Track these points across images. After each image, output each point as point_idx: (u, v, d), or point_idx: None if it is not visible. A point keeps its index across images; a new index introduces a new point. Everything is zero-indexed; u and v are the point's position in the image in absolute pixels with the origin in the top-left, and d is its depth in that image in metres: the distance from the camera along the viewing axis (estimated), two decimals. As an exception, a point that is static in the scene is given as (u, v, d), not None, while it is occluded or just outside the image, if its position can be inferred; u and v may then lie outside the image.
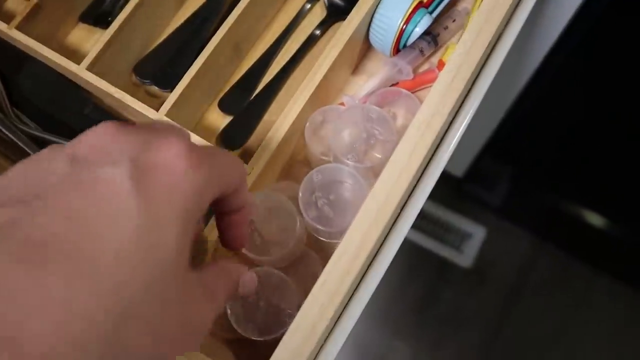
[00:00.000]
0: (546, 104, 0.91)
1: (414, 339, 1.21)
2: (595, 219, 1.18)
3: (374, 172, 0.38)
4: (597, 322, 1.19)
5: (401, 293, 1.23)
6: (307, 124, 0.39)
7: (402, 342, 1.21)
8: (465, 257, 1.28)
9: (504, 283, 1.24)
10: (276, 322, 0.32)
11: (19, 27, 0.43)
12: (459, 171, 1.21)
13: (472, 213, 1.30)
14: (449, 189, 1.32)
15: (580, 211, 1.19)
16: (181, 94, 0.39)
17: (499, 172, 1.27)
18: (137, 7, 0.42)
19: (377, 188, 0.28)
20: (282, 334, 0.29)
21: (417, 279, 1.25)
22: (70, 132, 0.43)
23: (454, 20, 0.45)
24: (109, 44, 0.41)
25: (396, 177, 0.29)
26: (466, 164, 1.16)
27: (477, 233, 1.29)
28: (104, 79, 0.40)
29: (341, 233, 0.36)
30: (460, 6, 0.46)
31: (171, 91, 0.44)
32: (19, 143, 0.43)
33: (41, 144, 0.43)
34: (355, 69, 0.45)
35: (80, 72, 0.40)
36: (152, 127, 0.22)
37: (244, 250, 0.36)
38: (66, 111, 0.44)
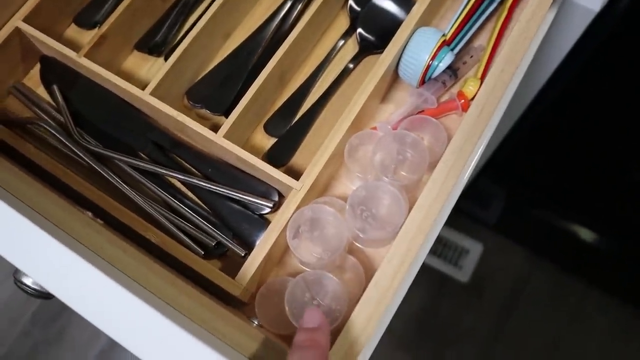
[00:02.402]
0: (539, 129, 0.97)
1: (414, 350, 1.25)
2: (586, 235, 1.24)
3: (406, 188, 0.43)
4: (589, 335, 1.24)
5: (402, 306, 1.28)
6: (347, 146, 0.44)
7: (403, 353, 1.25)
8: (463, 272, 1.33)
9: (500, 297, 1.30)
10: (328, 318, 0.37)
11: (86, 55, 0.48)
12: (457, 190, 1.27)
13: (469, 230, 1.36)
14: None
15: (572, 227, 1.25)
16: (236, 119, 0.44)
17: (495, 191, 1.32)
18: (193, 40, 0.48)
19: (420, 202, 0.34)
20: (334, 327, 0.34)
21: (418, 292, 1.30)
22: (129, 149, 0.49)
23: (471, 56, 0.51)
24: (169, 72, 0.47)
25: (436, 193, 0.34)
26: (465, 183, 1.21)
27: (474, 249, 1.34)
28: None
29: (379, 241, 0.42)
30: (476, 43, 0.52)
31: (220, 114, 0.50)
32: (84, 158, 0.48)
33: (102, 159, 0.48)
34: (384, 98, 0.50)
35: (144, 96, 0.46)
36: None
37: (298, 259, 0.41)
38: (126, 131, 0.49)
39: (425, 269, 1.33)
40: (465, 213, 1.34)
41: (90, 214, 0.39)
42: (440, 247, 1.35)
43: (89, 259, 0.30)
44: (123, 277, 0.32)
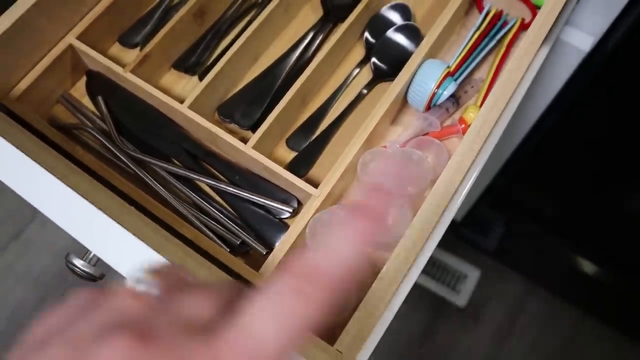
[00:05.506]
0: (537, 160, 1.03)
1: (411, 371, 1.29)
2: (582, 264, 1.28)
3: (411, 200, 0.49)
4: (583, 363, 1.27)
5: (400, 328, 1.31)
6: (360, 161, 0.50)
7: (400, 372, 1.28)
8: (460, 297, 1.37)
9: (496, 322, 1.33)
10: (338, 310, 0.42)
11: (131, 71, 0.54)
12: (457, 216, 1.32)
13: (468, 255, 1.40)
14: (447, 232, 1.41)
15: (569, 256, 1.29)
16: (263, 133, 0.50)
17: (494, 219, 1.37)
18: (227, 62, 0.54)
19: (422, 210, 0.39)
20: (343, 318, 0.39)
21: (416, 314, 1.34)
22: (164, 156, 0.54)
23: (472, 87, 0.57)
24: (204, 89, 0.53)
25: (437, 202, 0.40)
26: (464, 210, 1.27)
27: (472, 274, 1.39)
28: (197, 116, 0.51)
29: (385, 245, 0.47)
30: (477, 75, 0.58)
31: (247, 129, 0.56)
32: (125, 162, 0.53)
33: (140, 163, 0.54)
34: (394, 120, 0.56)
35: (183, 109, 0.52)
36: (109, 308, 0.19)
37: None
38: (162, 140, 0.55)
39: (424, 291, 1.37)
40: (465, 239, 1.38)
41: (133, 208, 0.45)
42: (439, 271, 1.39)
43: (140, 241, 0.36)
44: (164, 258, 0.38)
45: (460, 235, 1.38)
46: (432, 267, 1.40)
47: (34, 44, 0.53)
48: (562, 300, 1.32)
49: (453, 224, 1.32)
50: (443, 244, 1.43)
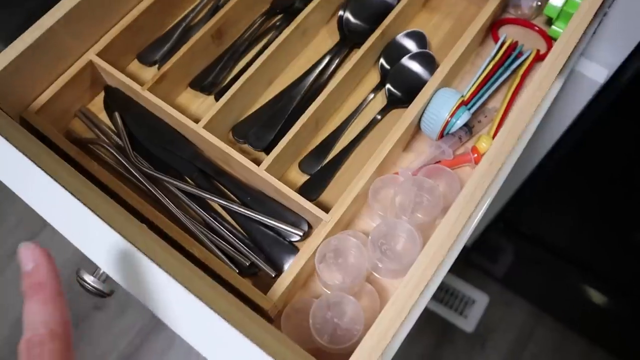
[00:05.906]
0: (548, 188, 1.03)
1: (415, 395, 1.27)
2: (592, 294, 1.26)
3: (421, 228, 0.49)
4: (590, 395, 1.25)
5: (406, 351, 1.30)
6: (371, 187, 0.50)
7: (404, 397, 1.27)
8: (468, 322, 1.35)
9: (503, 349, 1.32)
10: (346, 336, 0.42)
11: (149, 89, 0.55)
12: (467, 241, 1.31)
13: (477, 281, 1.39)
14: (456, 257, 1.40)
15: (578, 286, 1.27)
16: (276, 155, 0.51)
17: (504, 245, 1.36)
18: (243, 84, 0.55)
19: (433, 239, 0.39)
20: (350, 345, 0.39)
21: (423, 338, 1.33)
22: (177, 174, 0.55)
23: (485, 116, 0.57)
24: (220, 110, 0.54)
25: (447, 231, 0.40)
26: (474, 236, 1.26)
27: (480, 300, 1.37)
28: (211, 136, 0.52)
29: (395, 272, 0.47)
30: (490, 105, 0.59)
31: (260, 150, 0.56)
32: (138, 178, 0.54)
33: (153, 180, 0.54)
34: (406, 147, 0.57)
35: (198, 129, 0.52)
36: None
37: (322, 282, 0.47)
38: (175, 158, 0.55)
39: (431, 315, 1.36)
40: (474, 265, 1.38)
41: (144, 226, 0.45)
42: (447, 295, 1.38)
43: (147, 256, 0.36)
44: (171, 277, 0.38)
45: (470, 261, 1.37)
46: (440, 292, 1.39)
47: (56, 60, 0.55)
48: (571, 330, 1.30)
49: (463, 249, 1.31)
50: (452, 269, 1.41)
